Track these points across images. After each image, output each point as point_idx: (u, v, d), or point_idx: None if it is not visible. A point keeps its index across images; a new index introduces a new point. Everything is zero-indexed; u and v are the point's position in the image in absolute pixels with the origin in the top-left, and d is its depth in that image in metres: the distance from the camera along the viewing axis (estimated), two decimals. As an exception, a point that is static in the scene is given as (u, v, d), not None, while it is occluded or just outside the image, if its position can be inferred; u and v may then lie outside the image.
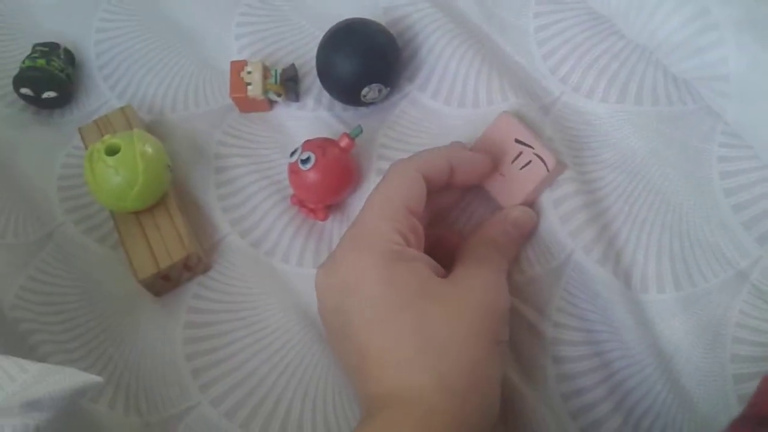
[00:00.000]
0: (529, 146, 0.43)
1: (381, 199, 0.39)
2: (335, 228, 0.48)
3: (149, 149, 0.44)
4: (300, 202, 0.48)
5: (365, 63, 0.47)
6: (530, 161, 0.43)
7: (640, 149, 0.45)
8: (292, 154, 0.45)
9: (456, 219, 0.46)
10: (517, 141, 0.44)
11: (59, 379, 0.33)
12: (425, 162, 0.40)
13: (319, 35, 0.49)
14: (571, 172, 0.44)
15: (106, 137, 0.44)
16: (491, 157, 0.44)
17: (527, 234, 0.44)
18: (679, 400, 0.39)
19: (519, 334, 0.42)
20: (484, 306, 0.37)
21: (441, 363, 0.34)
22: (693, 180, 0.43)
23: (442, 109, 0.49)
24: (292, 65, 0.51)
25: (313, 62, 0.50)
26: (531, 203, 0.44)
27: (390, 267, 0.36)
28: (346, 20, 0.48)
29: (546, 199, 0.43)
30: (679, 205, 0.43)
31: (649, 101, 0.45)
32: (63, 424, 0.32)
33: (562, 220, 0.43)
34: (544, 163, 0.43)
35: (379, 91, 0.48)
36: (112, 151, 0.43)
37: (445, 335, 0.35)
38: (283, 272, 0.47)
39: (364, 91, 0.47)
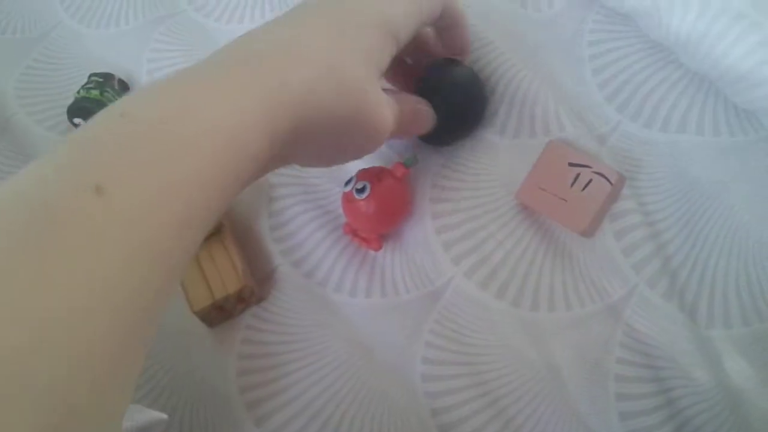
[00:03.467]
0: (586, 166, 0.43)
1: None
2: (387, 258, 0.47)
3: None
4: (353, 232, 0.47)
5: (450, 127, 0.46)
6: (591, 180, 0.43)
7: (703, 180, 0.44)
8: (347, 183, 0.45)
9: (518, 255, 0.45)
10: (572, 164, 0.43)
11: (127, 416, 0.32)
12: None
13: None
14: (632, 203, 0.43)
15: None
16: None
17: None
18: (749, 440, 0.38)
19: (581, 371, 0.41)
20: None
21: None
22: (758, 212, 0.42)
23: (495, 139, 0.48)
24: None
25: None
26: (599, 223, 0.43)
27: None
28: (433, 66, 0.46)
29: (608, 231, 0.43)
30: (744, 237, 0.42)
31: (710, 131, 0.45)
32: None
33: (625, 252, 0.42)
34: (606, 179, 0.42)
35: None
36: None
37: None
38: (335, 303, 0.46)
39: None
